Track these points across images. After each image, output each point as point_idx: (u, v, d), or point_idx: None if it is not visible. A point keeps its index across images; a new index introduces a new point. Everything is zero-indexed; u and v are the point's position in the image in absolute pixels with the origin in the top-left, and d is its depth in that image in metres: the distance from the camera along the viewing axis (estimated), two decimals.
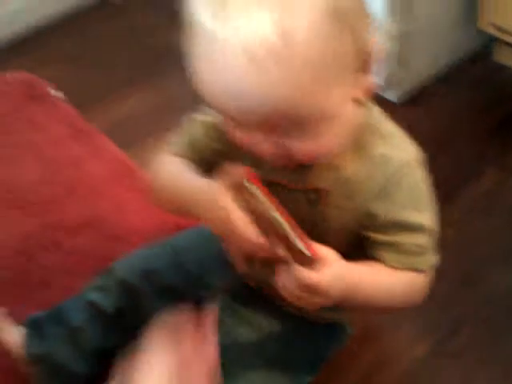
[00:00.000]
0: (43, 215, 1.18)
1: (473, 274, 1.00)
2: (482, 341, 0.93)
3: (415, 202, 0.68)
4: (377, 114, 0.69)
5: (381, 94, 1.32)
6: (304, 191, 0.69)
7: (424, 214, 0.68)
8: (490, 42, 1.39)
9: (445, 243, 0.99)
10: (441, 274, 0.97)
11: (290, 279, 0.60)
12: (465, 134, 1.24)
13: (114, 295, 0.89)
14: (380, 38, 0.61)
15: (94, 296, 0.90)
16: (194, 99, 0.73)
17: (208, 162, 0.74)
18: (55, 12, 1.67)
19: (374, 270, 0.69)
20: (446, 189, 1.10)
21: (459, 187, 1.13)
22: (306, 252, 0.59)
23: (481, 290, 0.98)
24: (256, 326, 0.82)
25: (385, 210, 0.67)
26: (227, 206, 0.60)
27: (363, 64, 0.59)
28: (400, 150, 0.67)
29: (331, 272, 0.61)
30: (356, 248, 0.71)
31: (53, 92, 1.44)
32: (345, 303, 0.68)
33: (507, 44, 1.34)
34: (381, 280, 0.69)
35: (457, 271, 1.00)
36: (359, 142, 0.66)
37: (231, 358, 0.79)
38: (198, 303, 0.87)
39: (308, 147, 0.60)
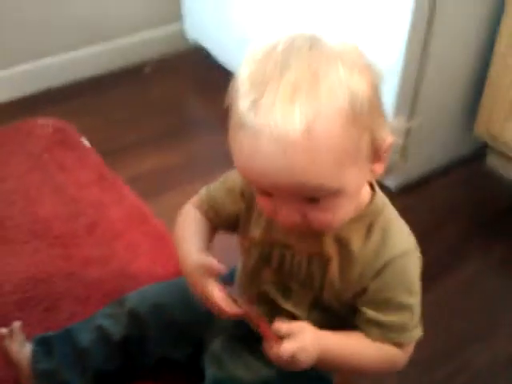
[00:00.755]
0: (62, 247, 1.27)
1: (451, 347, 1.08)
2: None
3: (406, 284, 0.76)
4: (383, 199, 0.78)
5: (380, 180, 1.44)
6: (314, 256, 0.78)
7: (412, 295, 0.77)
8: (484, 148, 1.53)
9: (426, 319, 1.10)
10: (422, 345, 1.07)
11: (272, 356, 0.72)
12: (453, 224, 1.35)
13: (122, 323, 0.95)
14: (390, 132, 0.70)
15: (104, 321, 0.97)
16: (213, 162, 0.84)
17: (222, 220, 0.86)
18: (92, 71, 1.84)
19: (353, 339, 0.78)
20: (430, 271, 1.21)
21: (443, 271, 1.23)
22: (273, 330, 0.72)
23: (458, 361, 1.06)
24: (251, 369, 0.87)
25: (378, 288, 0.75)
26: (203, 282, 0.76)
27: (377, 154, 0.69)
28: (398, 237, 0.76)
29: (308, 340, 0.72)
30: (349, 312, 0.79)
31: (83, 140, 1.57)
32: (322, 366, 0.78)
33: (499, 152, 1.47)
34: (358, 349, 0.78)
35: (435, 342, 1.08)
36: (365, 221, 0.75)
37: None
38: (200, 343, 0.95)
39: (325, 217, 0.69)
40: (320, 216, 0.69)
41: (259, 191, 0.70)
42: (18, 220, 1.33)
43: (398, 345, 0.78)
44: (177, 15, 1.92)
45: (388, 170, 1.36)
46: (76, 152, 1.54)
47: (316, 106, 0.60)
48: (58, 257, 1.25)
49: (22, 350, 0.95)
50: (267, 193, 0.69)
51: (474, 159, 1.54)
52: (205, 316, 0.93)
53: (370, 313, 0.76)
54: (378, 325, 0.76)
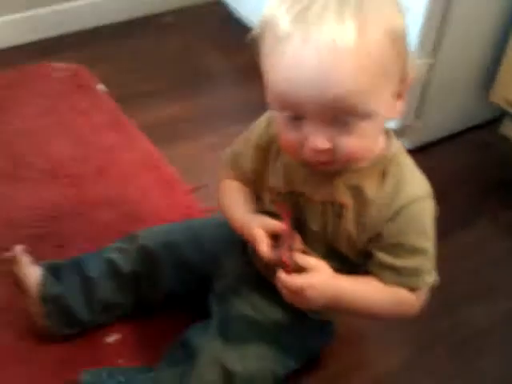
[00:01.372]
0: (72, 187, 1.28)
1: (452, 305, 1.10)
2: (455, 358, 1.02)
3: (420, 229, 0.77)
4: (399, 148, 0.79)
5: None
6: (328, 204, 0.79)
7: (426, 240, 0.78)
8: (499, 115, 1.52)
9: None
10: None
11: (281, 283, 0.74)
12: (463, 188, 1.35)
13: (132, 258, 0.98)
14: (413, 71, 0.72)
15: (114, 255, 0.99)
16: (227, 116, 0.85)
17: (250, 180, 0.88)
18: (112, 19, 1.84)
19: (367, 284, 0.79)
20: (440, 229, 1.22)
21: (451, 231, 1.23)
22: (294, 261, 0.74)
23: (458, 318, 1.08)
24: (257, 308, 0.90)
25: (392, 233, 0.76)
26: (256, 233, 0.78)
27: (401, 88, 0.71)
28: (414, 183, 0.77)
29: (317, 279, 0.74)
30: (363, 259, 0.80)
31: (99, 85, 1.58)
32: (334, 308, 0.79)
33: None
34: (372, 294, 0.79)
35: (438, 299, 1.09)
36: (381, 169, 0.76)
37: (229, 328, 0.88)
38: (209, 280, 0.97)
39: (353, 144, 0.69)
40: (348, 142, 0.69)
41: (288, 119, 0.70)
42: (31, 158, 1.35)
43: (412, 289, 0.79)
44: None
45: (403, 130, 1.37)
46: (91, 96, 1.55)
47: (364, 19, 0.62)
48: (69, 196, 1.26)
49: (31, 273, 0.96)
50: (297, 118, 0.69)
51: (488, 125, 1.53)
52: (214, 256, 0.97)
53: (384, 257, 0.77)
54: (392, 269, 0.77)
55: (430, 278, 0.80)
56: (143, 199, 1.26)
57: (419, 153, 1.42)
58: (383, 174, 0.76)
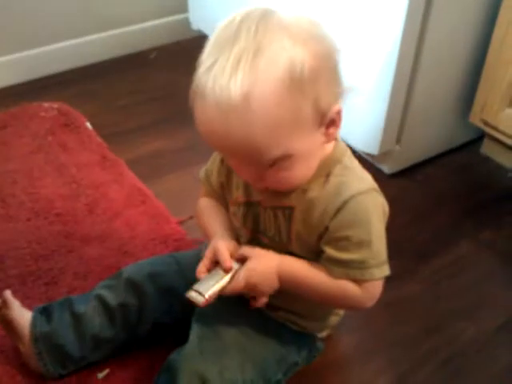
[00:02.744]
0: (62, 225, 1.30)
1: (436, 323, 1.11)
2: (442, 379, 1.02)
3: (363, 222, 0.79)
4: (342, 149, 0.82)
5: (375, 164, 1.47)
6: (279, 208, 0.83)
7: (370, 232, 0.79)
8: (479, 136, 1.55)
9: (413, 296, 1.13)
10: (407, 319, 1.10)
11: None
12: (445, 209, 1.38)
13: (119, 292, 0.99)
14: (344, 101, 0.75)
15: (102, 292, 1.00)
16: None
17: (220, 195, 0.94)
18: (99, 57, 1.88)
19: (314, 267, 0.83)
20: (422, 251, 1.24)
21: (433, 251, 1.26)
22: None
23: (443, 337, 1.09)
24: (235, 322, 0.92)
25: (337, 227, 0.79)
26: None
27: (326, 121, 0.73)
28: (357, 180, 0.80)
29: (254, 263, 0.81)
30: (316, 259, 0.83)
31: (85, 123, 1.61)
32: (285, 289, 0.83)
33: (494, 140, 1.49)
34: (319, 277, 0.82)
35: (422, 319, 1.11)
36: (324, 171, 0.80)
37: (208, 341, 0.90)
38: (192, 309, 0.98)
39: (281, 178, 0.75)
40: (276, 177, 0.74)
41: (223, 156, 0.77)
42: (20, 198, 1.37)
43: (359, 282, 0.81)
44: (184, 7, 1.95)
45: (383, 155, 1.40)
46: (79, 134, 1.57)
47: (255, 75, 0.66)
48: (58, 234, 1.28)
49: (22, 316, 0.98)
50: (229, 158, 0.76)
51: (469, 146, 1.56)
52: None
53: (330, 251, 0.80)
54: (338, 262, 0.80)
55: (379, 271, 0.81)
56: (132, 234, 1.28)
57: (400, 176, 1.46)
58: (328, 175, 0.80)
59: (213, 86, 0.67)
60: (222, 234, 0.88)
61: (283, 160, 0.72)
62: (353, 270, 0.80)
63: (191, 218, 1.30)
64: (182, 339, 0.93)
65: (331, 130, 0.75)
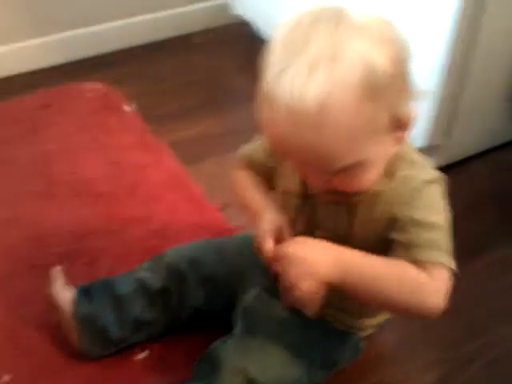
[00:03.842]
0: (102, 206, 1.31)
1: (481, 323, 1.09)
2: (487, 380, 1.01)
3: (431, 207, 0.76)
4: (407, 147, 0.79)
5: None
6: (340, 204, 0.80)
7: (439, 217, 0.76)
8: None
9: (457, 295, 1.10)
10: (451, 318, 1.08)
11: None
12: (491, 206, 1.34)
13: (161, 276, 0.99)
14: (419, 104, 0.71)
15: (143, 274, 1.00)
16: (251, 134, 0.89)
17: (263, 174, 0.91)
18: (143, 39, 1.88)
19: (376, 260, 0.74)
20: (466, 249, 1.21)
21: (474, 252, 1.22)
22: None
23: (489, 337, 1.06)
24: (281, 319, 0.90)
25: (404, 213, 0.75)
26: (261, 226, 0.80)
27: (399, 126, 0.70)
28: (423, 172, 0.77)
29: (313, 242, 0.75)
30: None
31: (127, 105, 1.61)
32: (344, 287, 0.74)
33: None
34: (382, 270, 0.74)
35: (467, 318, 1.09)
36: (390, 168, 0.77)
37: (253, 338, 0.89)
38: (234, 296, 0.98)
39: (350, 184, 0.72)
40: (344, 183, 0.71)
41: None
42: (62, 177, 1.38)
43: (425, 266, 0.73)
44: None
45: (432, 148, 1.37)
46: (121, 116, 1.58)
47: (331, 83, 0.62)
48: (99, 214, 1.28)
49: (65, 295, 0.99)
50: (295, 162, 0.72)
51: None
52: (239, 271, 0.99)
53: (397, 235, 0.76)
54: (407, 246, 0.74)
55: (448, 259, 0.74)
56: (171, 217, 1.28)
57: (448, 170, 1.41)
58: (391, 168, 0.77)
59: (285, 94, 0.63)
60: (277, 209, 0.84)
61: (354, 167, 0.69)
62: (419, 248, 0.73)
63: (228, 205, 1.29)
64: (224, 328, 0.92)
65: (403, 134, 0.73)
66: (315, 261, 0.73)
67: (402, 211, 0.76)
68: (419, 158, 0.80)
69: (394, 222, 0.77)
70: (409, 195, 0.76)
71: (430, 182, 0.77)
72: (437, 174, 0.79)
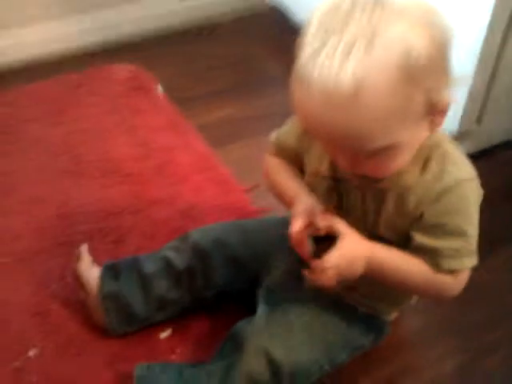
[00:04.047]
0: (130, 185, 1.32)
1: (505, 313, 1.08)
2: (509, 369, 1.00)
3: (462, 211, 0.76)
4: (442, 136, 0.78)
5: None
6: (369, 189, 0.79)
7: (467, 223, 0.76)
8: None
9: (482, 284, 1.09)
10: (475, 307, 1.07)
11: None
12: None
13: (186, 255, 1.00)
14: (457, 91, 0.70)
15: (169, 253, 1.01)
16: (280, 118, 0.89)
17: (295, 161, 0.90)
18: (175, 23, 1.88)
19: (403, 255, 0.79)
20: (494, 238, 1.19)
21: (498, 242, 1.20)
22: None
23: (510, 329, 1.05)
24: (305, 301, 0.91)
25: (433, 214, 0.76)
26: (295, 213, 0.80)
27: (434, 111, 0.69)
28: (458, 168, 0.76)
29: (348, 248, 0.77)
30: (404, 242, 0.80)
31: (157, 87, 1.61)
32: (370, 275, 0.79)
33: None
34: (407, 264, 0.79)
35: (490, 308, 1.08)
36: (424, 158, 0.76)
37: (276, 319, 0.89)
38: (256, 280, 0.98)
39: (379, 168, 0.71)
40: (374, 167, 0.71)
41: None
42: (91, 157, 1.39)
43: (449, 271, 0.78)
44: None
45: (463, 134, 1.35)
46: (151, 98, 1.58)
47: (368, 64, 0.60)
48: (127, 193, 1.30)
49: (91, 272, 1.00)
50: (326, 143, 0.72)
51: None
52: (264, 253, 0.99)
53: (423, 238, 0.77)
54: (429, 251, 0.77)
55: (469, 261, 0.78)
56: (198, 199, 1.28)
57: (478, 157, 1.39)
58: (426, 161, 0.76)
59: (320, 73, 0.62)
60: (310, 193, 0.84)
61: (386, 150, 0.67)
62: (444, 258, 0.77)
63: (257, 186, 1.29)
64: (247, 309, 0.93)
65: (438, 120, 0.71)
66: (355, 272, 0.78)
67: (430, 211, 0.76)
68: (454, 149, 0.78)
69: (419, 219, 0.77)
70: (441, 193, 0.75)
71: (462, 181, 0.75)
72: (471, 170, 0.78)
